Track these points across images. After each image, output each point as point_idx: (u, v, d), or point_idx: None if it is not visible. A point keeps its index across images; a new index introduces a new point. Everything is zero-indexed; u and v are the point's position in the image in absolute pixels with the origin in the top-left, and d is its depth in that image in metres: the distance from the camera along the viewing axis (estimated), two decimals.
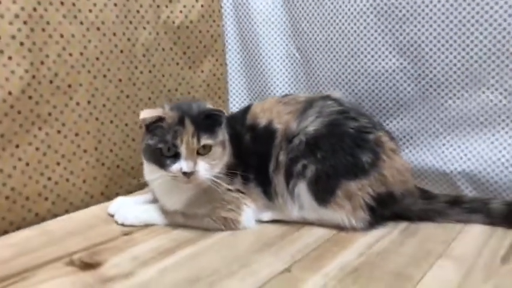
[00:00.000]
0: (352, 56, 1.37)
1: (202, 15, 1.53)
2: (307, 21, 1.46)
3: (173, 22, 1.46)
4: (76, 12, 1.22)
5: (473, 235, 1.06)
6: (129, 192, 1.36)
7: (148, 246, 1.04)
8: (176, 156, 1.02)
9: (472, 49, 1.18)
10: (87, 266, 0.95)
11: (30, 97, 1.14)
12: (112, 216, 1.19)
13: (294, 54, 1.53)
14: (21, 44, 1.11)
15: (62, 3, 1.19)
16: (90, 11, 1.25)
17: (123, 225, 1.14)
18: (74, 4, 1.21)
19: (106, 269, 0.94)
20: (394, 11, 1.26)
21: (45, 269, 0.93)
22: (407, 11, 1.24)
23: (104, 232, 1.11)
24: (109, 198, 1.29)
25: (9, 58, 1.09)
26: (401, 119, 1.34)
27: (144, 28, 1.39)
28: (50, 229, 1.14)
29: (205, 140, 1.03)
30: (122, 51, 1.33)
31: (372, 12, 1.30)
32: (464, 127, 1.25)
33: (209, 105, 1.10)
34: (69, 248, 1.02)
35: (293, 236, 1.08)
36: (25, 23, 1.11)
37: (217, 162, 1.06)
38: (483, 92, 1.20)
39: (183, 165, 1.01)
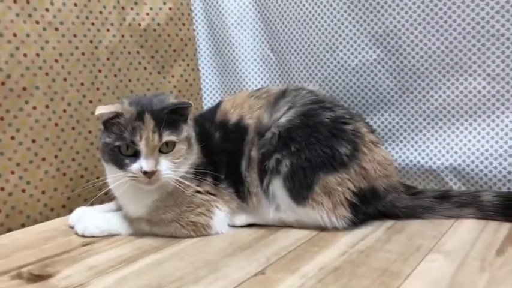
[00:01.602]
0: (327, 52, 1.30)
1: (171, 18, 1.47)
2: (280, 20, 1.40)
3: (139, 25, 1.40)
4: (31, 11, 1.15)
5: (465, 229, 0.98)
6: (94, 205, 1.26)
7: (108, 255, 0.94)
8: (136, 155, 0.94)
9: (450, 34, 1.13)
10: (37, 278, 0.84)
11: None
12: (72, 227, 1.08)
13: (269, 55, 1.47)
14: None
15: (14, 1, 1.11)
16: (47, 10, 1.18)
17: (83, 236, 1.04)
18: (28, 2, 1.14)
19: (56, 281, 0.83)
20: (367, 0, 1.21)
21: None
22: None
23: (61, 244, 1.01)
24: (71, 211, 1.18)
25: None
26: (382, 115, 1.27)
27: (108, 30, 1.32)
28: (1, 243, 1.03)
29: (168, 137, 0.94)
30: (83, 54, 1.26)
31: (344, 3, 1.24)
32: (448, 118, 1.18)
33: (173, 99, 1.01)
34: (19, 262, 0.92)
35: (269, 238, 0.99)
36: None
37: (182, 160, 0.97)
38: (465, 79, 1.14)
39: (143, 164, 0.92)
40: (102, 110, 0.95)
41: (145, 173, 0.92)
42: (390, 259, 0.85)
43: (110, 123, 0.95)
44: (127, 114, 0.94)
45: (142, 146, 0.92)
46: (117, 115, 0.95)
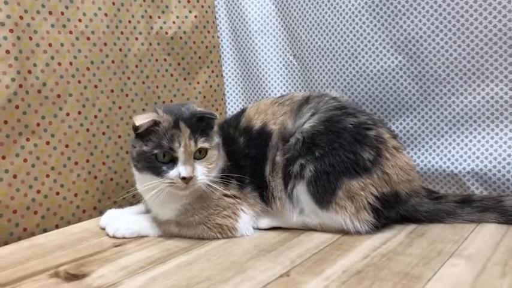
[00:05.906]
0: (349, 58, 1.33)
1: (196, 26, 1.51)
2: (302, 27, 1.43)
3: (166, 33, 1.44)
4: (65, 22, 1.20)
5: (487, 234, 0.99)
6: (123, 206, 1.30)
7: (139, 256, 0.98)
8: (173, 162, 0.97)
9: (472, 40, 1.14)
10: (73, 277, 0.89)
11: (17, 107, 1.10)
12: (104, 229, 1.13)
13: (291, 61, 1.50)
14: (7, 52, 1.08)
15: (50, 12, 1.17)
16: (80, 20, 1.23)
17: (114, 237, 1.09)
18: (62, 13, 1.19)
19: (91, 280, 0.87)
20: (389, 7, 1.23)
21: (27, 282, 0.88)
22: (402, 5, 1.21)
23: (94, 244, 1.06)
24: (102, 212, 1.23)
25: None
26: (404, 120, 1.29)
27: (136, 39, 1.37)
28: (38, 243, 1.09)
29: (202, 143, 0.98)
30: (113, 62, 1.31)
31: (366, 11, 1.27)
32: (470, 124, 1.19)
33: (198, 108, 1.05)
34: (55, 261, 0.97)
35: (292, 241, 1.02)
36: (11, 31, 1.09)
37: (214, 166, 1.01)
38: (487, 85, 1.15)
39: (181, 170, 0.96)
40: (142, 120, 0.97)
41: (183, 178, 0.96)
42: (412, 263, 0.87)
43: (145, 131, 0.98)
44: (164, 123, 0.98)
45: (180, 152, 0.96)
46: (155, 123, 0.98)
